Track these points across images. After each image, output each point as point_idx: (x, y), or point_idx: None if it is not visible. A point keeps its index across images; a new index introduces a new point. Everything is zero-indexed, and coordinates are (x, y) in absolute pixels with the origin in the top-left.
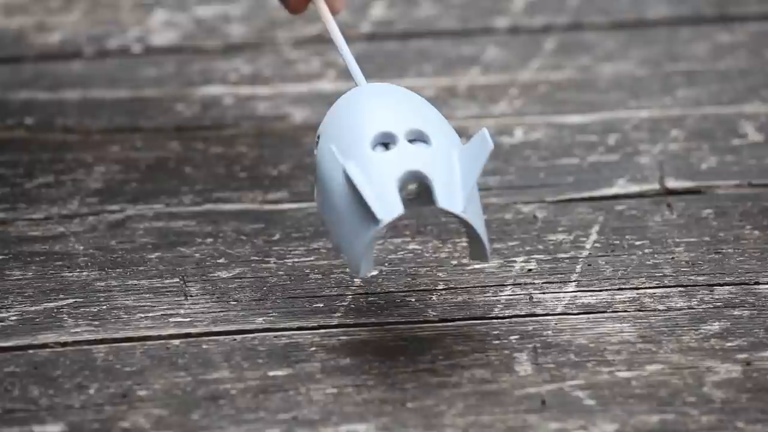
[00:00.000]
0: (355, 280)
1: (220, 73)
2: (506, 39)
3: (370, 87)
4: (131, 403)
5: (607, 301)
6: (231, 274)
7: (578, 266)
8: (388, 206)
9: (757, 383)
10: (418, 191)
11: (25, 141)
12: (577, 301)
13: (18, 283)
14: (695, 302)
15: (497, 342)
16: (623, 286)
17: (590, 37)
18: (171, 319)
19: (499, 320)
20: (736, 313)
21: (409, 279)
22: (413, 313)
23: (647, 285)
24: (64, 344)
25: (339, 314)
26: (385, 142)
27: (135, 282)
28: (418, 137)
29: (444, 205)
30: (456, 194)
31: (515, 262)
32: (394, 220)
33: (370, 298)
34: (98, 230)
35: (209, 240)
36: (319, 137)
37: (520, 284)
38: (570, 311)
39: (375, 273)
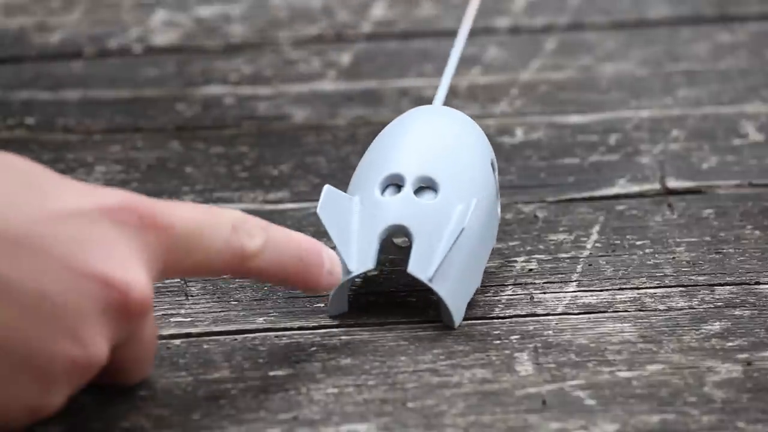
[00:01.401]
0: (356, 279)
1: (221, 73)
2: (507, 39)
3: (426, 111)
4: (132, 402)
5: (607, 301)
6: None
7: (579, 266)
8: (362, 258)
9: (757, 383)
10: (410, 240)
11: (26, 141)
12: (578, 300)
13: None
14: (696, 302)
15: (498, 342)
16: (624, 286)
17: (591, 37)
18: (172, 319)
19: (500, 320)
20: (736, 313)
21: (409, 279)
22: (414, 313)
23: (648, 285)
24: None
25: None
26: (397, 183)
27: None
28: (428, 184)
29: (411, 270)
30: (432, 258)
31: (516, 261)
32: (364, 272)
33: (370, 298)
34: None
35: None
36: None
37: (520, 284)
38: (571, 311)
39: (375, 273)
